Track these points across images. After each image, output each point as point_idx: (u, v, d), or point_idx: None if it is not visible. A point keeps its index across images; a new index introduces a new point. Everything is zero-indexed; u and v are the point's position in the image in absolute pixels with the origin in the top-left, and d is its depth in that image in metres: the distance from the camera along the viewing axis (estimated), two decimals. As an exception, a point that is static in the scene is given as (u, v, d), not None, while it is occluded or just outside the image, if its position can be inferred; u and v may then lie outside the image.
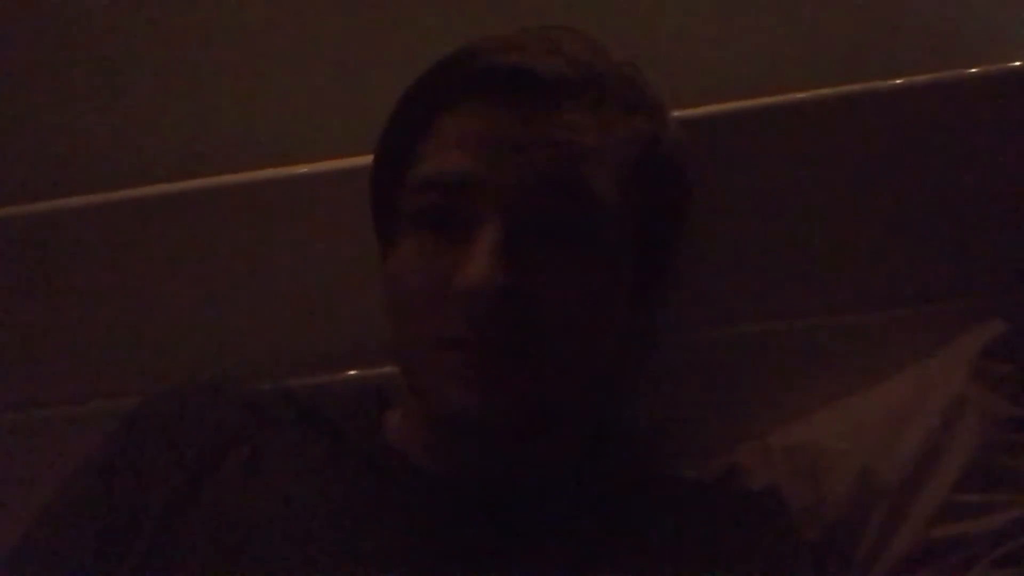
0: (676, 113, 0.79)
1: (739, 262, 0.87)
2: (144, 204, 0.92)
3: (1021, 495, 0.76)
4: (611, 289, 0.70)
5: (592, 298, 0.69)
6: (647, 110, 0.74)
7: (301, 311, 0.91)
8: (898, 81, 0.85)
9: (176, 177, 0.93)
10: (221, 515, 0.70)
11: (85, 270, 0.93)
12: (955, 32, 0.90)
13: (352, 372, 0.90)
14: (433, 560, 0.68)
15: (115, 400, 0.90)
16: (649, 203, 0.72)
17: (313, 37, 0.96)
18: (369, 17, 0.95)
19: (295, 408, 0.77)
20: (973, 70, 0.85)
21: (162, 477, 0.72)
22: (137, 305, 0.92)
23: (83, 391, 0.93)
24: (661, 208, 0.73)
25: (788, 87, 0.86)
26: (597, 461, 0.77)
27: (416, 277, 0.68)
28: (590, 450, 0.77)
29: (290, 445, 0.74)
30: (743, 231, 0.86)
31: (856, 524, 0.78)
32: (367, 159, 0.78)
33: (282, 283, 0.91)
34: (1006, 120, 0.84)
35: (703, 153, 0.80)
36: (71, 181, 0.95)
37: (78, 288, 0.92)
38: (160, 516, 0.71)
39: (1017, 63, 0.85)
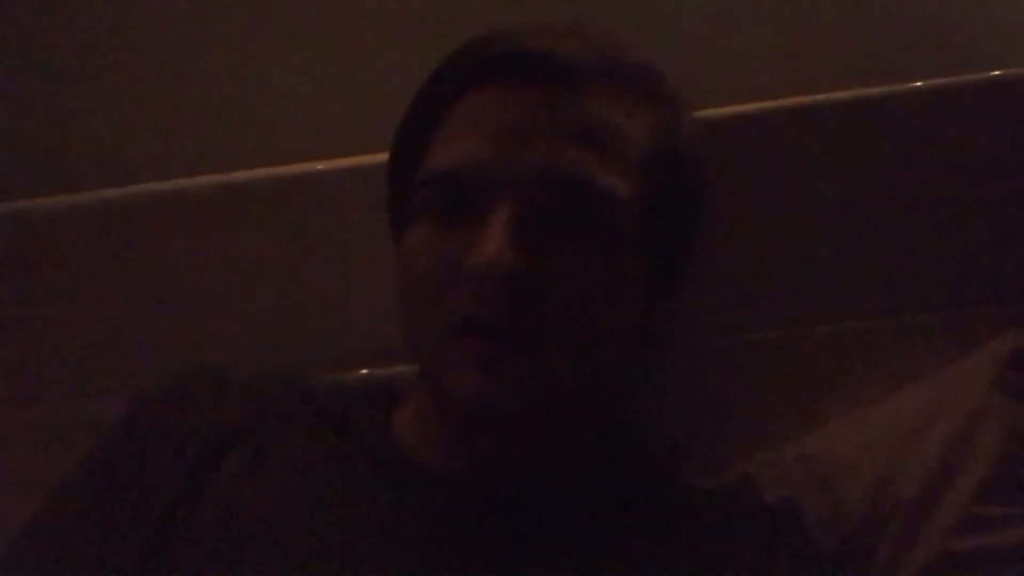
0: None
1: (755, 268, 0.86)
2: (148, 201, 0.92)
3: (1043, 508, 0.74)
4: (622, 280, 0.69)
5: (603, 287, 0.68)
6: (663, 101, 0.73)
7: (306, 310, 0.91)
8: (919, 84, 0.85)
9: (181, 174, 0.93)
10: (225, 512, 0.69)
11: (89, 267, 0.93)
12: (975, 35, 0.89)
13: (360, 372, 0.90)
14: (439, 562, 0.67)
15: (117, 396, 0.89)
16: (664, 195, 0.71)
17: (323, 34, 0.96)
18: (378, 14, 0.95)
19: (303, 402, 0.77)
20: (996, 72, 0.84)
21: (164, 472, 0.71)
22: (139, 303, 0.92)
23: (84, 388, 0.92)
24: (676, 200, 0.73)
25: (803, 90, 0.86)
26: (610, 467, 0.76)
27: (427, 260, 0.68)
28: (603, 454, 0.76)
29: (295, 442, 0.73)
30: (760, 237, 0.86)
31: (873, 536, 0.76)
32: (376, 157, 0.78)
33: (287, 283, 0.91)
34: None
35: (718, 156, 0.79)
36: (71, 178, 0.95)
37: (82, 285, 0.92)
38: (162, 511, 0.70)
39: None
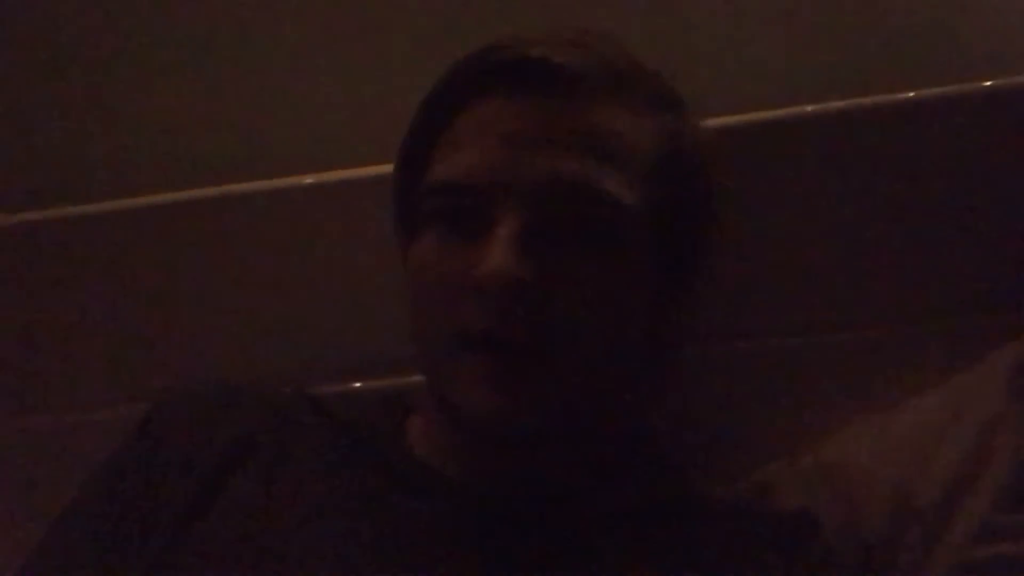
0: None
1: (769, 276, 0.86)
2: (156, 212, 0.92)
3: (1061, 515, 0.74)
4: (631, 289, 0.69)
5: (611, 297, 0.68)
6: (670, 108, 0.73)
7: (312, 322, 0.91)
8: (920, 93, 0.85)
9: (190, 185, 0.92)
10: (238, 522, 0.69)
11: (93, 279, 0.92)
12: (971, 45, 0.89)
13: (370, 382, 0.89)
14: (456, 571, 0.67)
15: (127, 407, 0.88)
16: (672, 201, 0.71)
17: (329, 46, 0.96)
18: (385, 26, 0.95)
19: (315, 413, 0.76)
20: (994, 82, 0.84)
21: (178, 484, 0.71)
22: (144, 314, 0.92)
23: (93, 399, 0.92)
24: (684, 207, 0.72)
25: (805, 100, 0.86)
26: (625, 476, 0.75)
27: (435, 272, 0.67)
28: (617, 464, 0.75)
29: (310, 451, 0.73)
30: (775, 244, 0.85)
31: (892, 545, 0.76)
32: (383, 168, 0.77)
33: (294, 294, 0.91)
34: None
35: (726, 164, 0.79)
36: (74, 190, 0.95)
37: (86, 297, 0.92)
38: (176, 523, 0.69)
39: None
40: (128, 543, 0.70)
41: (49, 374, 0.92)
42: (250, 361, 0.91)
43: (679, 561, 0.70)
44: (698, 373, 0.85)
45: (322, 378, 0.89)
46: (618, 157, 0.68)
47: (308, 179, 0.91)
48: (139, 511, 0.71)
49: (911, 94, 0.85)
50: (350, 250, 0.89)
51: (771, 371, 0.86)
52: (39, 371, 0.92)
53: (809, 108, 0.86)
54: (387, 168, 0.76)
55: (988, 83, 0.84)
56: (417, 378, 0.73)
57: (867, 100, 0.85)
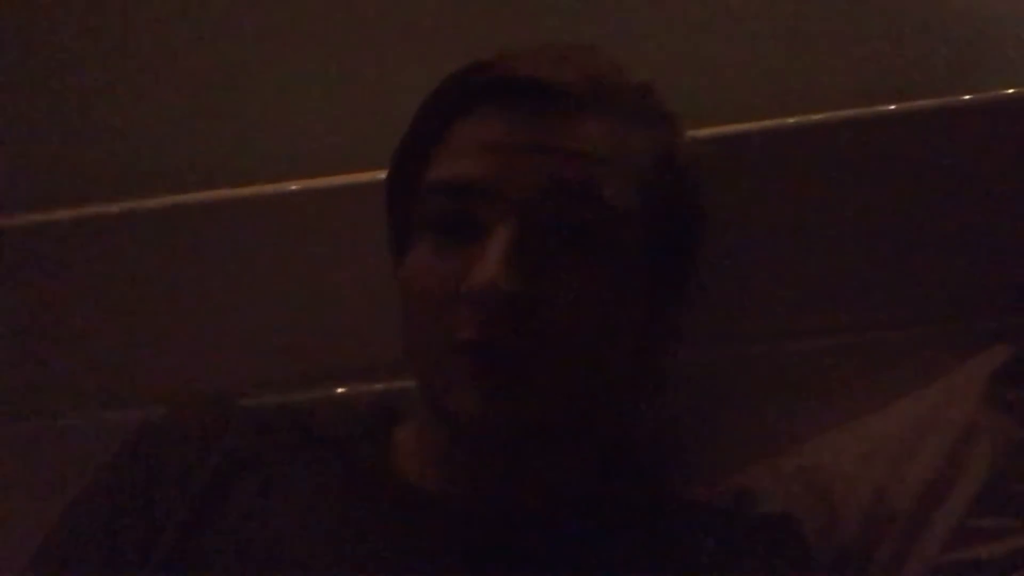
0: (691, 132, 0.78)
1: (749, 282, 0.87)
2: (148, 216, 0.92)
3: (1034, 520, 0.76)
4: (624, 298, 0.70)
5: (604, 306, 0.68)
6: (662, 122, 0.74)
7: (310, 325, 0.91)
8: (912, 104, 0.86)
9: (181, 189, 0.92)
10: (232, 545, 0.69)
11: (87, 281, 0.92)
12: (968, 56, 0.90)
13: (360, 387, 0.90)
14: None
15: (117, 411, 0.90)
16: (664, 211, 0.72)
17: (319, 52, 0.96)
18: (382, 32, 0.95)
19: (303, 431, 0.76)
20: (986, 94, 0.86)
21: (171, 502, 0.71)
22: (140, 317, 0.92)
23: (85, 402, 0.92)
24: (676, 216, 0.73)
25: (802, 109, 0.87)
26: (610, 482, 0.76)
27: (427, 279, 0.68)
28: (603, 472, 0.76)
29: (300, 473, 0.73)
30: (754, 251, 0.86)
31: (869, 547, 0.78)
32: (375, 174, 0.78)
33: (289, 296, 0.91)
34: (1020, 144, 0.84)
35: (714, 173, 0.80)
36: (71, 193, 0.94)
37: (80, 299, 0.92)
38: (169, 543, 0.70)
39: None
40: (121, 565, 0.70)
41: (41, 378, 0.92)
42: (241, 366, 0.91)
43: (660, 565, 0.71)
44: (681, 377, 0.85)
45: (312, 383, 0.90)
46: (613, 164, 0.68)
47: (293, 185, 0.91)
48: (133, 531, 0.71)
49: (907, 104, 0.86)
50: (341, 256, 0.89)
51: (752, 376, 0.87)
52: (33, 375, 0.92)
53: (804, 118, 0.87)
54: (378, 174, 0.77)
55: (985, 94, 0.86)
56: (407, 383, 0.74)
57: (863, 111, 0.86)
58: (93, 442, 0.82)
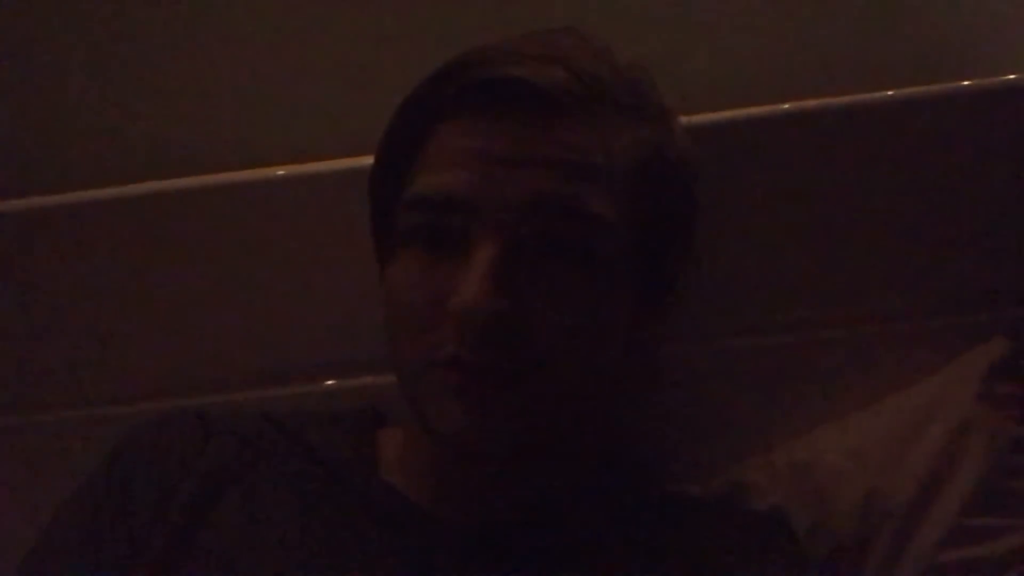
0: (683, 119, 0.77)
1: (741, 275, 0.85)
2: (137, 204, 0.89)
3: (1029, 518, 0.75)
4: (611, 308, 0.68)
5: (591, 318, 0.67)
6: (651, 117, 0.71)
7: (296, 315, 0.89)
8: (906, 91, 0.84)
9: (164, 176, 0.90)
10: (218, 559, 0.68)
11: (68, 270, 0.89)
12: (968, 42, 0.89)
13: (347, 381, 0.88)
14: None
15: (104, 408, 0.89)
16: (652, 216, 0.70)
17: (317, 35, 0.93)
18: (371, 14, 0.92)
19: (285, 440, 0.75)
20: (985, 80, 0.84)
21: (154, 518, 0.70)
22: (135, 306, 0.90)
23: (68, 397, 0.90)
24: (665, 220, 0.71)
25: (801, 94, 0.85)
26: (599, 486, 0.75)
27: (411, 294, 0.66)
28: (592, 476, 0.76)
29: (282, 485, 0.72)
30: (746, 243, 0.85)
31: (862, 545, 0.77)
32: (358, 160, 0.76)
33: (279, 287, 0.89)
34: (1016, 133, 0.83)
35: (707, 161, 0.79)
36: (68, 177, 0.92)
37: (60, 291, 0.89)
38: (153, 558, 0.68)
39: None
40: (113, 563, 0.69)
41: (27, 373, 0.90)
42: (232, 359, 0.89)
43: (652, 561, 0.71)
44: (673, 372, 0.85)
45: (301, 376, 0.88)
46: (598, 174, 0.66)
47: (280, 171, 0.89)
48: (115, 547, 0.69)
49: (901, 91, 0.84)
50: (328, 243, 0.87)
51: (746, 371, 0.85)
52: (18, 370, 0.90)
53: (798, 104, 0.84)
54: (367, 160, 0.75)
55: (980, 81, 0.84)
56: (393, 378, 0.72)
57: (856, 97, 0.84)
58: (78, 438, 0.81)
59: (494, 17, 0.88)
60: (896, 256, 0.85)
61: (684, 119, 0.78)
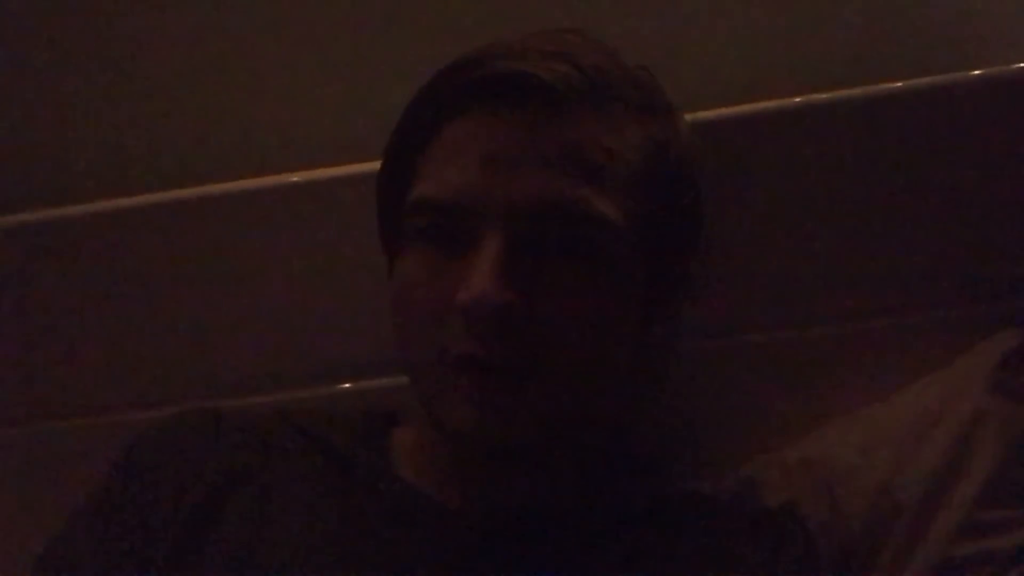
0: (690, 115, 0.77)
1: (752, 270, 0.85)
2: (148, 212, 0.90)
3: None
4: (619, 305, 0.68)
5: (597, 314, 0.67)
6: (657, 114, 0.71)
7: (310, 320, 0.90)
8: (914, 82, 0.84)
9: (173, 185, 0.91)
10: (229, 556, 0.68)
11: (76, 281, 0.91)
12: (974, 33, 0.88)
13: (362, 383, 0.89)
14: None
15: (112, 414, 0.90)
16: (659, 212, 0.70)
17: (320, 42, 0.94)
18: (374, 20, 0.93)
19: (300, 438, 0.75)
20: (995, 69, 0.83)
21: (167, 517, 0.70)
22: (141, 315, 0.91)
23: (78, 404, 0.91)
24: (672, 217, 0.71)
25: (804, 89, 0.85)
26: (610, 482, 0.75)
27: (419, 293, 0.67)
28: (603, 472, 0.76)
29: (298, 481, 0.72)
30: (756, 238, 0.85)
31: (874, 541, 0.76)
32: (366, 166, 0.76)
33: (293, 291, 0.90)
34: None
35: (718, 157, 0.79)
36: (67, 189, 0.93)
37: (70, 300, 0.91)
38: (167, 557, 0.69)
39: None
40: (128, 562, 0.69)
41: (38, 380, 0.91)
42: (246, 363, 0.90)
43: (663, 558, 0.70)
44: (684, 369, 0.85)
45: (317, 379, 0.89)
46: (604, 173, 0.66)
47: (296, 177, 0.90)
48: (129, 547, 0.70)
49: (909, 83, 0.83)
50: (345, 247, 0.88)
51: (757, 366, 0.85)
52: (31, 377, 0.91)
53: (808, 98, 0.84)
54: (364, 167, 0.76)
55: (985, 71, 0.83)
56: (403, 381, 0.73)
57: (865, 89, 0.84)
58: (92, 444, 0.82)
59: (499, 20, 0.88)
60: (908, 248, 0.84)
61: (691, 115, 0.79)
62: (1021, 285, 0.83)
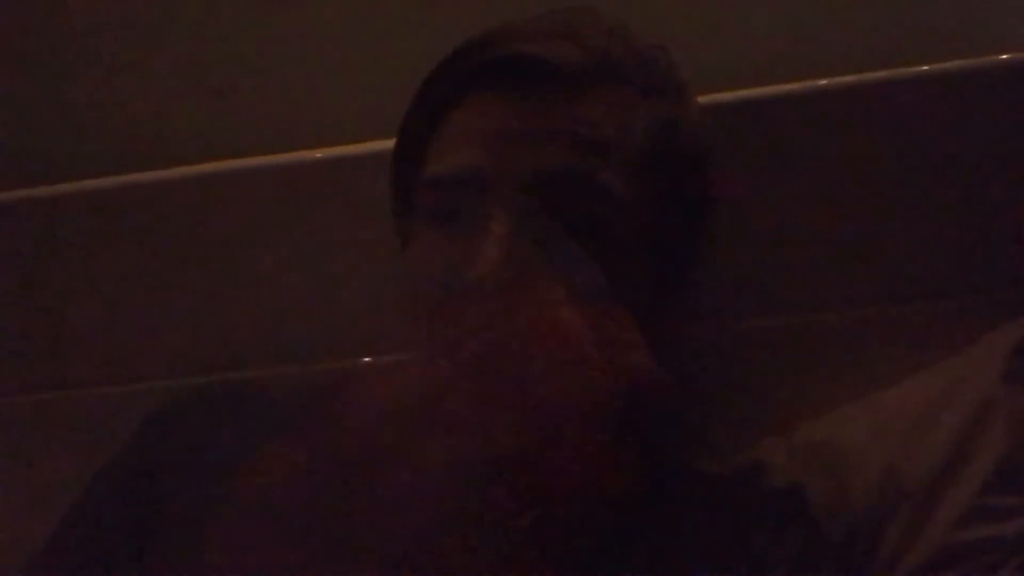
0: (705, 98, 0.78)
1: (763, 254, 0.85)
2: (148, 189, 0.92)
3: (1051, 498, 0.74)
4: (626, 281, 0.69)
5: None
6: (666, 95, 0.72)
7: (313, 300, 0.91)
8: (922, 68, 0.84)
9: (184, 162, 0.93)
10: (240, 528, 0.68)
11: (88, 257, 0.93)
12: (987, 18, 0.87)
13: (374, 359, 0.89)
14: None
15: (125, 385, 0.92)
16: (668, 192, 0.70)
17: (330, 19, 0.95)
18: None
19: (317, 415, 0.76)
20: (999, 57, 0.83)
21: (183, 487, 0.71)
22: (141, 293, 0.93)
23: (90, 376, 0.94)
24: (681, 197, 0.72)
25: (819, 73, 0.85)
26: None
27: (428, 271, 0.68)
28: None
29: (314, 452, 0.72)
30: (768, 222, 0.85)
31: (880, 524, 0.76)
32: (376, 144, 0.78)
33: (310, 266, 0.91)
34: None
35: (731, 140, 0.78)
36: (72, 167, 0.95)
37: (84, 275, 0.93)
38: (178, 534, 0.70)
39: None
40: (134, 548, 0.71)
41: (47, 352, 0.93)
42: (268, 336, 0.92)
43: (669, 536, 0.71)
44: (694, 352, 0.84)
45: (335, 353, 0.90)
46: (610, 148, 0.67)
47: (304, 155, 0.91)
48: (141, 522, 0.71)
49: (932, 66, 0.83)
50: (368, 222, 0.88)
51: (766, 350, 0.85)
52: (39, 348, 0.93)
53: (832, 81, 0.85)
54: (375, 145, 0.78)
55: (995, 58, 0.83)
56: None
57: (885, 73, 0.84)
58: (108, 415, 0.84)
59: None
60: (921, 235, 0.84)
61: (705, 97, 0.79)
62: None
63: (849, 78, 0.84)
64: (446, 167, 0.68)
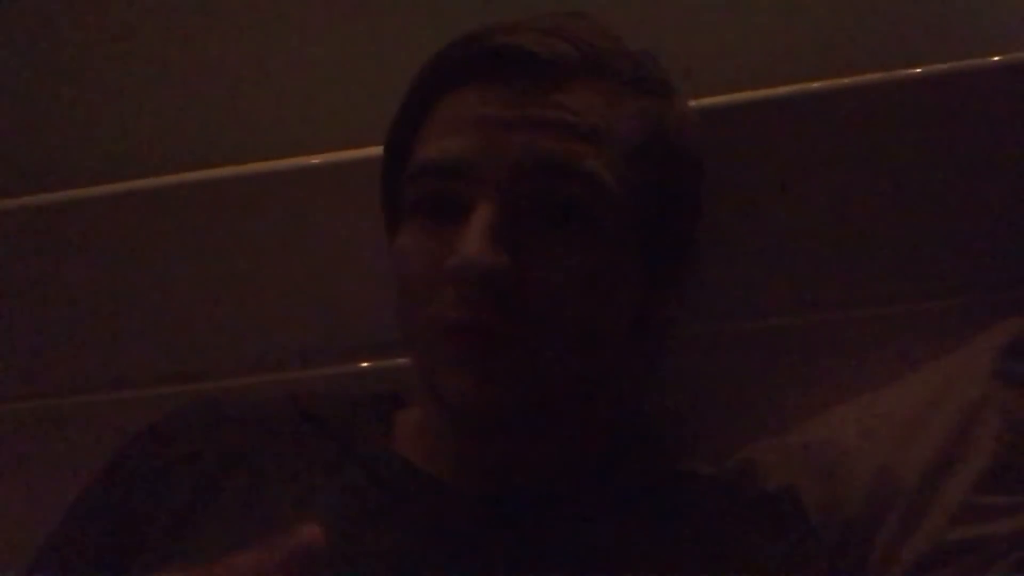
0: (696, 101, 0.78)
1: (755, 255, 0.86)
2: (147, 196, 0.93)
3: (1042, 497, 0.74)
4: (613, 271, 0.69)
5: (591, 280, 0.67)
6: (654, 91, 0.72)
7: (310, 303, 0.92)
8: (920, 70, 0.84)
9: (182, 169, 0.93)
10: (224, 539, 0.68)
11: (92, 262, 0.93)
12: (986, 18, 0.88)
13: (377, 362, 0.91)
14: (442, 571, 0.67)
15: (123, 391, 0.92)
16: (656, 185, 0.70)
17: (320, 28, 0.95)
18: (374, 7, 0.94)
19: (301, 420, 0.77)
20: (998, 58, 0.83)
21: (160, 504, 0.72)
22: (140, 298, 0.93)
23: (88, 382, 0.94)
24: (670, 191, 0.72)
25: (813, 76, 0.85)
26: (612, 461, 0.76)
27: (414, 262, 0.68)
28: (604, 446, 0.76)
29: (296, 462, 0.73)
30: (760, 223, 0.85)
31: (873, 524, 0.77)
32: (369, 151, 0.77)
33: (292, 276, 0.92)
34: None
35: (717, 143, 0.79)
36: (75, 171, 0.95)
37: (83, 281, 0.93)
38: (159, 545, 0.70)
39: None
40: (119, 559, 0.71)
41: (45, 358, 0.94)
42: (260, 340, 0.92)
43: (664, 538, 0.71)
44: (688, 352, 0.85)
45: (333, 357, 0.91)
46: (596, 137, 0.67)
47: (299, 162, 0.91)
48: (123, 536, 0.71)
49: (921, 69, 0.84)
50: (366, 228, 0.89)
51: (760, 351, 0.86)
52: (41, 356, 0.94)
53: (819, 85, 0.85)
54: (367, 152, 0.78)
55: (1004, 57, 0.83)
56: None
57: (873, 76, 0.84)
58: (99, 423, 0.84)
59: (506, 3, 0.89)
60: (912, 236, 0.84)
61: (697, 101, 0.79)
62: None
63: (847, 80, 0.84)
64: (430, 156, 0.68)
